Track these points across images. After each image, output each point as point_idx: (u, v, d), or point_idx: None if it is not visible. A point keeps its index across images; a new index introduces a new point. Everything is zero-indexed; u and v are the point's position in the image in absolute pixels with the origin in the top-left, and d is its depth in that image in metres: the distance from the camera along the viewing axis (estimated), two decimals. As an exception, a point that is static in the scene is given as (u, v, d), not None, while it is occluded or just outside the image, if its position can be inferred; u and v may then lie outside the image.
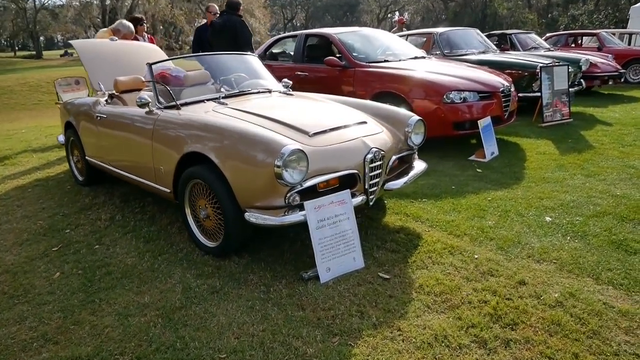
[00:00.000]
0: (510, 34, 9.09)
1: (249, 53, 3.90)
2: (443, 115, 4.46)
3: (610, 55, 8.79)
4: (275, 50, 6.45)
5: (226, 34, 4.98)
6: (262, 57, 6.34)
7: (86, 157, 3.95)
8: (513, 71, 6.43)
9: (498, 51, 7.75)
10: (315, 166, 2.42)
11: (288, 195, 2.33)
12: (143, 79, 3.88)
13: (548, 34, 11.81)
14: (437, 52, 7.25)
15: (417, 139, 2.98)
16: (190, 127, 2.73)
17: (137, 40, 6.10)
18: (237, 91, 3.33)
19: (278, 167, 2.24)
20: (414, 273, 2.38)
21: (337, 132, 2.65)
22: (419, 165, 3.10)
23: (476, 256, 2.51)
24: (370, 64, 5.04)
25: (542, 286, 2.21)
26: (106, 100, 3.79)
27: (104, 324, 2.11)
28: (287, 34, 6.28)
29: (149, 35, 6.34)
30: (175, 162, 2.75)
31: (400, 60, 5.21)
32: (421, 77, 4.63)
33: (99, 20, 36.45)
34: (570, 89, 6.67)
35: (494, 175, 3.95)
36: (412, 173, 2.95)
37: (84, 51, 4.22)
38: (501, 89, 4.68)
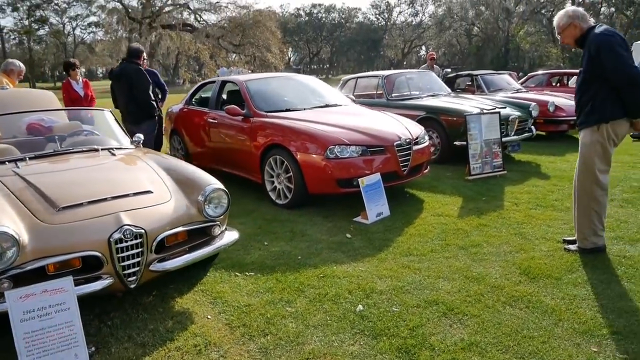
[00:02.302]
0: (477, 75, 8.71)
1: (105, 109, 3.77)
2: (329, 171, 4.12)
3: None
4: (204, 95, 6.35)
5: (123, 82, 4.90)
6: (189, 102, 6.28)
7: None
8: (450, 117, 6.05)
9: (452, 94, 7.37)
10: (43, 246, 2.16)
11: (-6, 280, 2.07)
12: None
13: (530, 74, 11.31)
14: (382, 95, 7.00)
15: (213, 210, 2.66)
16: None
17: (70, 84, 6.19)
18: (51, 151, 3.15)
19: (-30, 250, 1.99)
20: (131, 380, 2.02)
21: (93, 206, 2.38)
22: (226, 238, 2.78)
23: (222, 360, 2.13)
24: (268, 114, 4.79)
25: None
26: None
27: None
28: (210, 79, 6.18)
29: (83, 79, 6.39)
30: None
31: (304, 110, 4.94)
32: (306, 129, 4.32)
33: (126, 54, 38.43)
34: (516, 137, 6.23)
35: (360, 243, 3.54)
36: (202, 250, 2.62)
37: None
38: (397, 142, 4.30)
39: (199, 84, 6.39)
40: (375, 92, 7.20)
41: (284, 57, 40.96)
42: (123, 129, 3.69)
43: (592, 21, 3.05)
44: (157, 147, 6.29)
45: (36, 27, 43.52)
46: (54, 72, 58.16)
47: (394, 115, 5.11)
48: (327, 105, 5.18)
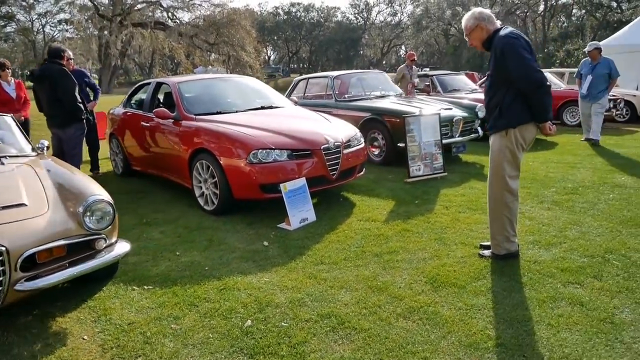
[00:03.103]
0: (432, 75, 8.71)
1: (6, 115, 3.56)
2: (253, 176, 3.99)
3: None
4: (142, 96, 6.13)
5: (45, 84, 4.65)
6: (126, 104, 6.06)
7: None
8: (393, 119, 5.99)
9: (404, 95, 7.33)
10: None
11: None
12: None
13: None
14: (331, 96, 6.90)
15: (95, 223, 2.51)
16: None
17: (1, 86, 5.90)
18: None
19: None
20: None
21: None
22: (115, 251, 2.63)
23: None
24: (197, 117, 4.63)
25: None
26: None
27: None
28: (147, 80, 5.98)
29: (16, 80, 6.09)
30: None
31: (236, 112, 4.80)
32: (230, 133, 4.18)
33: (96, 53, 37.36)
34: (460, 138, 6.21)
35: (275, 252, 3.42)
36: (84, 265, 2.46)
37: None
38: (325, 146, 4.19)
39: (137, 85, 6.17)
40: (324, 93, 7.10)
41: (260, 56, 40.60)
42: (25, 135, 3.48)
43: (498, 23, 3.00)
44: (92, 150, 6.08)
45: (2, 23, 41.90)
46: (23, 71, 56.39)
47: (330, 117, 5.00)
48: (262, 108, 5.05)
